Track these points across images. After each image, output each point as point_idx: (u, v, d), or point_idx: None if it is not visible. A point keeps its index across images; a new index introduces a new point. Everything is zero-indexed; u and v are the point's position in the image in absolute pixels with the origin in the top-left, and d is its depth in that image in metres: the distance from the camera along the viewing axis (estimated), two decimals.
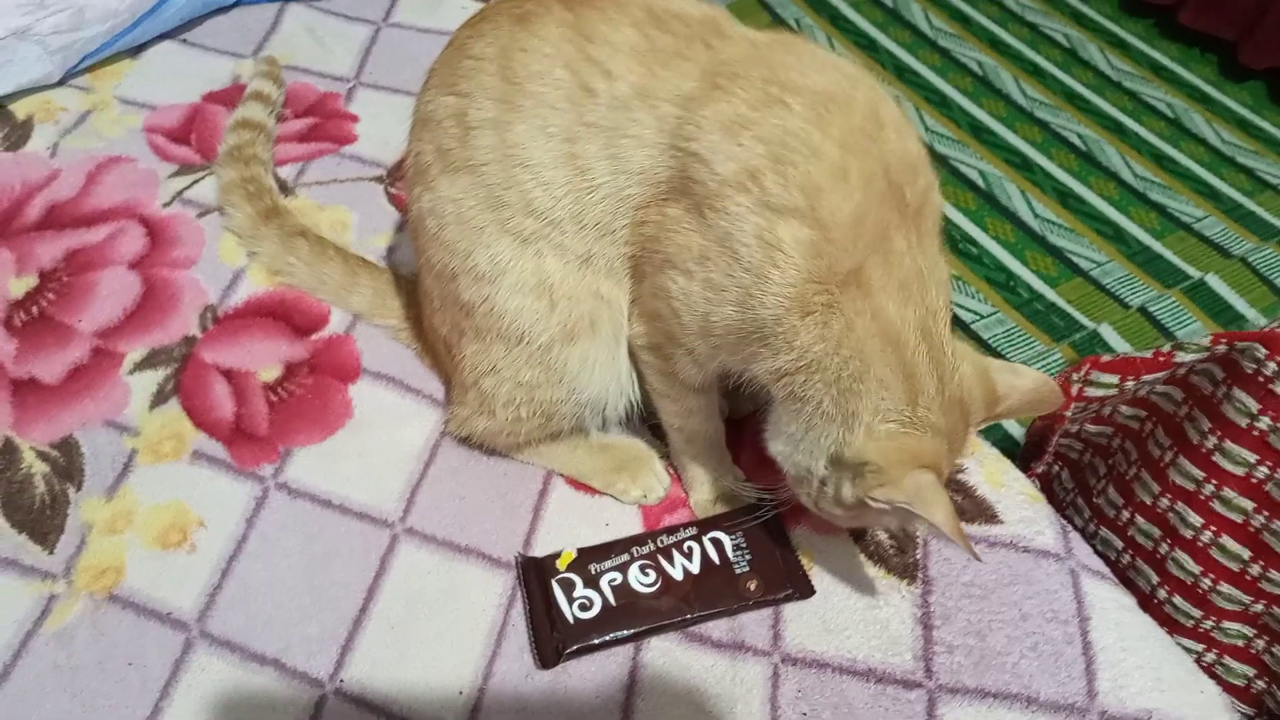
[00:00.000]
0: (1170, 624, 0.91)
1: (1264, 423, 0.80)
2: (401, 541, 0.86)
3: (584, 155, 0.73)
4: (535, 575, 0.84)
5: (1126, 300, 1.94)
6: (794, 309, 0.67)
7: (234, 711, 0.76)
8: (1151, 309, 1.93)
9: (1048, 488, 1.05)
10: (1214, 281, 1.99)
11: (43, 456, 0.87)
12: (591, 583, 0.84)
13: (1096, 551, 0.90)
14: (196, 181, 1.09)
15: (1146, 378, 0.87)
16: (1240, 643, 0.88)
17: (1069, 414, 0.93)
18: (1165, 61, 2.58)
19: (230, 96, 1.17)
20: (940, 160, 2.20)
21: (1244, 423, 0.81)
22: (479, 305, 0.80)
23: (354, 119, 1.19)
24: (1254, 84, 2.51)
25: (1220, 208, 2.22)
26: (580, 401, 0.84)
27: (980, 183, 2.18)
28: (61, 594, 0.80)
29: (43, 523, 0.84)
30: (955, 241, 2.04)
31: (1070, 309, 1.91)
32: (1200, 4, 2.49)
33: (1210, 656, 0.90)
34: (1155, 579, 0.91)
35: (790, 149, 0.66)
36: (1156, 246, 2.10)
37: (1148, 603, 0.91)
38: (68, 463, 0.87)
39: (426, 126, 0.80)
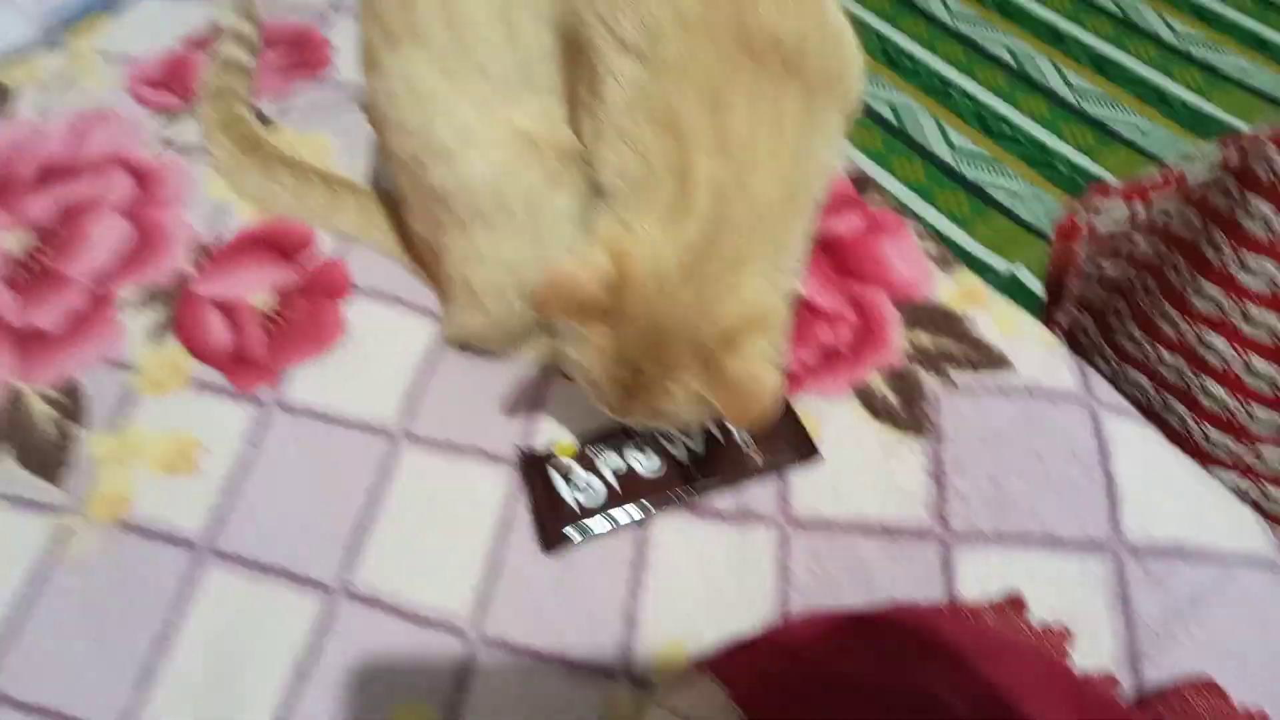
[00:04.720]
0: (1206, 459, 0.86)
1: None
2: (403, 448, 0.86)
3: (515, 14, 0.71)
4: (536, 466, 0.83)
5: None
6: (610, 131, 0.66)
7: (247, 621, 0.77)
8: None
9: (1072, 338, 1.00)
10: None
11: (48, 400, 0.89)
12: (592, 467, 0.82)
13: (1124, 394, 0.85)
14: (180, 125, 1.09)
15: (1157, 199, 0.81)
16: None
17: (1082, 250, 0.88)
18: None
19: (209, 41, 1.17)
20: (965, 41, 2.12)
21: (1262, 232, 0.76)
22: (451, 188, 0.79)
23: (332, 46, 1.18)
24: None
25: (1271, 56, 2.10)
26: None
27: (1010, 60, 2.09)
28: (75, 526, 0.82)
29: (52, 461, 0.85)
30: (986, 121, 1.97)
31: (1114, 180, 1.83)
32: None
33: (1251, 488, 0.85)
34: (1187, 414, 0.87)
35: None
36: (1203, 105, 1.99)
37: (1181, 439, 0.87)
38: (72, 403, 0.88)
39: (369, 6, 0.78)
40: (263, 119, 1.10)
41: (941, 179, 1.88)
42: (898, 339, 0.89)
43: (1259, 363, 0.80)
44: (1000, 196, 1.84)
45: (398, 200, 0.91)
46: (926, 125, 1.97)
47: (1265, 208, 0.74)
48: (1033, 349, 0.87)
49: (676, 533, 0.79)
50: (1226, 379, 0.82)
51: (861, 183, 1.02)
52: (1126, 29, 2.17)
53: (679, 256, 0.64)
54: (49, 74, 1.15)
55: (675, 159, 0.64)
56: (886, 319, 0.90)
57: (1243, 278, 0.78)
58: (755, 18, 0.64)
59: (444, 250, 0.85)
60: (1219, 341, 0.81)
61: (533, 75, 0.73)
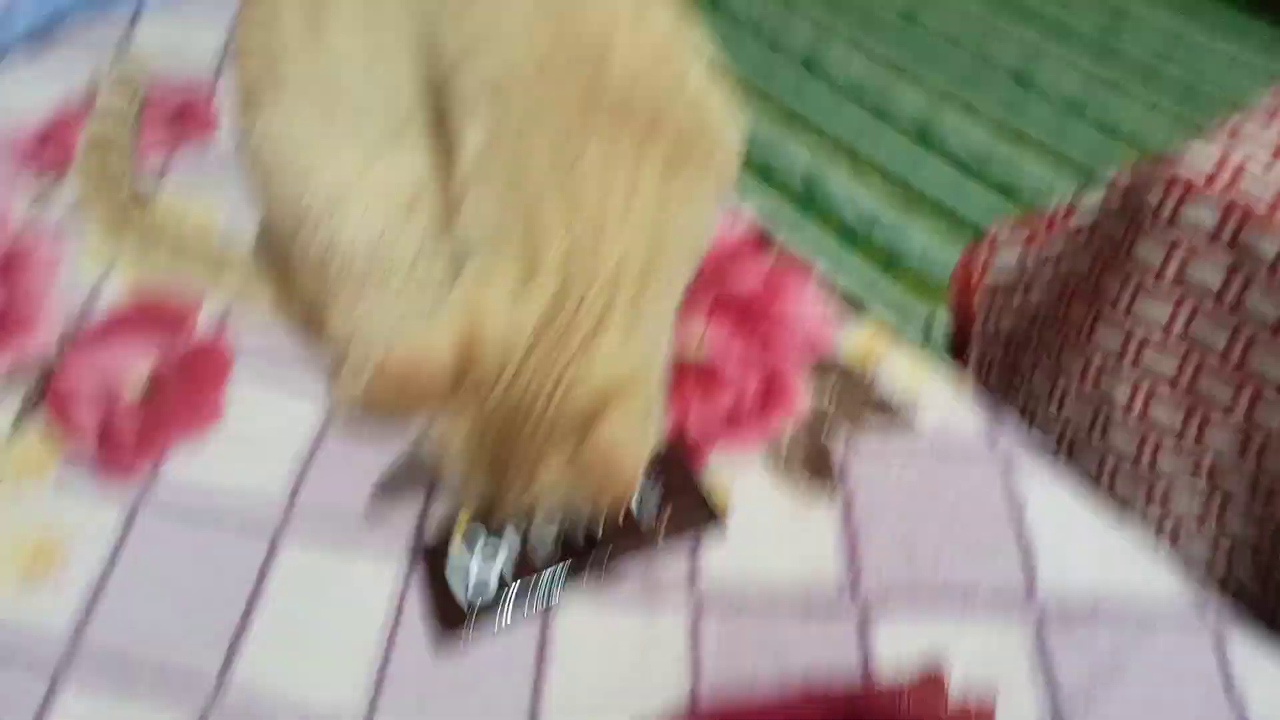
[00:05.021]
0: (1119, 504, 0.85)
1: (1173, 267, 0.74)
2: (287, 533, 0.80)
3: (387, 67, 0.68)
4: (428, 552, 0.78)
5: None
6: (467, 189, 0.64)
7: None
8: None
9: (982, 386, 0.99)
10: None
11: None
12: (488, 547, 0.77)
13: (1035, 443, 0.84)
14: (55, 192, 1.04)
15: (1049, 245, 0.80)
16: (1197, 510, 0.82)
17: (981, 297, 0.87)
18: None
19: (90, 104, 1.12)
20: (870, 102, 2.15)
21: (1153, 272, 0.75)
22: (333, 248, 0.75)
23: (217, 112, 1.14)
24: None
25: (1162, 114, 2.16)
26: None
27: (914, 119, 2.13)
28: None
29: None
30: (894, 179, 1.99)
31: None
32: None
33: (1167, 528, 0.84)
34: (1096, 461, 0.85)
35: (497, 43, 0.63)
36: (1106, 156, 2.04)
37: (1094, 486, 0.85)
38: None
39: (239, 59, 0.75)
40: (144, 184, 1.05)
41: (853, 236, 1.89)
42: (804, 393, 0.87)
43: (1163, 403, 0.79)
44: (912, 252, 1.86)
45: (281, 263, 0.87)
46: (836, 184, 1.99)
47: (1153, 245, 0.74)
48: (941, 399, 0.85)
49: (580, 616, 0.75)
50: (1131, 423, 0.81)
51: (763, 235, 1.01)
52: (1026, 88, 2.23)
53: (531, 324, 0.60)
54: None
55: (523, 220, 0.61)
56: (792, 372, 0.88)
57: (1138, 319, 0.77)
58: (610, 78, 0.62)
59: (330, 313, 0.81)
60: (1121, 384, 0.80)
61: (410, 128, 0.70)
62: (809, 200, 1.94)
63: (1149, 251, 0.74)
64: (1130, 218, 0.75)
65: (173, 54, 1.22)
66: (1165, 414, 0.79)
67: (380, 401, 0.60)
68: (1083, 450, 0.85)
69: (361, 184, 0.73)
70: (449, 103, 0.65)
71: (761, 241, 1.00)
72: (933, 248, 1.84)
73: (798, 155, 2.01)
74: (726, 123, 0.67)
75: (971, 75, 2.24)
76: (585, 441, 0.60)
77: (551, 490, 0.63)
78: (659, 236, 0.63)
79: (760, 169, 1.96)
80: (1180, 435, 0.79)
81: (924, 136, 2.09)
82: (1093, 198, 0.78)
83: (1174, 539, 0.84)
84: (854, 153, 2.04)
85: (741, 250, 0.99)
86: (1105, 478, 0.85)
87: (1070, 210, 0.78)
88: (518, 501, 0.64)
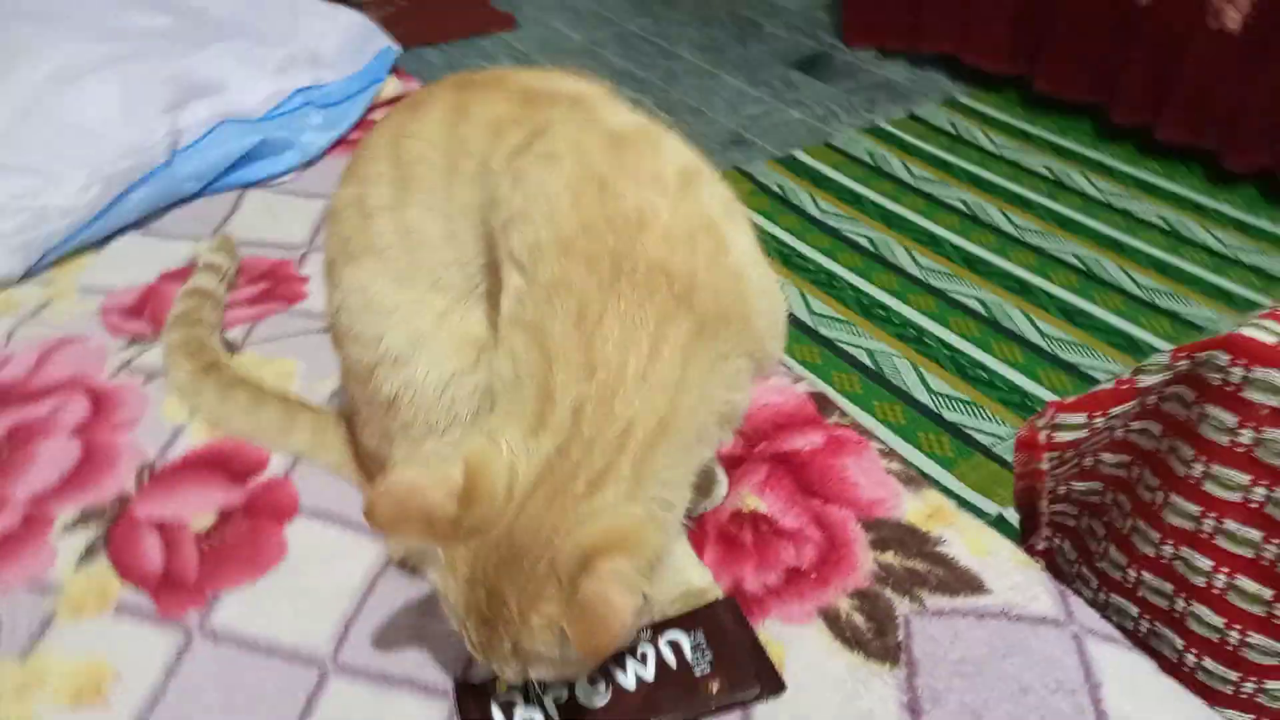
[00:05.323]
0: (1208, 694, 0.79)
1: (1246, 436, 0.72)
2: (331, 678, 0.79)
3: (460, 233, 0.73)
4: (473, 700, 0.76)
5: None
6: (500, 340, 0.67)
7: None
8: None
9: (1052, 563, 0.95)
10: None
11: None
12: (535, 700, 0.75)
13: (1112, 622, 0.80)
14: (145, 351, 1.10)
15: (1116, 411, 0.79)
16: None
17: (1045, 466, 0.86)
18: (1150, 178, 2.61)
19: (186, 274, 1.20)
20: (936, 292, 2.19)
21: (1225, 441, 0.73)
22: (402, 395, 0.78)
23: (305, 280, 1.21)
24: (1243, 188, 2.52)
25: (1233, 306, 2.16)
26: None
27: (981, 310, 2.15)
28: None
29: None
30: (962, 367, 1.99)
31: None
32: (1177, 117, 2.54)
33: (1262, 706, 0.77)
34: (1180, 642, 0.80)
35: (537, 207, 0.67)
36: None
37: (1178, 671, 0.80)
38: None
39: (331, 221, 0.81)
40: (230, 346, 1.11)
41: (922, 421, 1.89)
42: (865, 559, 0.84)
43: (1246, 582, 0.75)
44: (982, 439, 1.84)
45: (350, 415, 0.90)
46: (904, 370, 2.00)
47: (1224, 415, 0.72)
48: (1007, 571, 0.82)
49: None
50: (1215, 601, 0.77)
51: (822, 402, 1.01)
52: (1090, 281, 2.25)
53: (534, 471, 0.62)
54: (26, 305, 1.17)
55: (540, 373, 0.64)
56: (852, 538, 0.86)
57: (1214, 489, 0.75)
58: (643, 249, 0.65)
59: (392, 462, 0.83)
60: (1201, 560, 0.77)
61: (478, 284, 0.74)
62: (877, 381, 1.96)
63: (1220, 418, 0.73)
64: (1199, 383, 0.74)
65: (268, 223, 1.32)
66: (1252, 589, 0.75)
67: (381, 519, 0.61)
68: (1167, 621, 0.80)
69: (436, 333, 0.77)
70: (499, 259, 0.69)
71: (824, 410, 1.00)
72: (1002, 430, 1.83)
73: (865, 340, 2.04)
74: (766, 298, 0.70)
75: (1039, 267, 2.28)
76: (575, 589, 0.59)
77: (541, 646, 0.62)
78: (677, 401, 0.64)
79: (828, 347, 2.00)
80: (1270, 613, 0.74)
81: (991, 323, 2.11)
82: (1159, 362, 0.77)
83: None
84: (920, 337, 2.07)
85: (803, 417, 0.99)
86: (1193, 653, 0.79)
87: (1134, 379, 0.77)
88: (510, 660, 0.64)
